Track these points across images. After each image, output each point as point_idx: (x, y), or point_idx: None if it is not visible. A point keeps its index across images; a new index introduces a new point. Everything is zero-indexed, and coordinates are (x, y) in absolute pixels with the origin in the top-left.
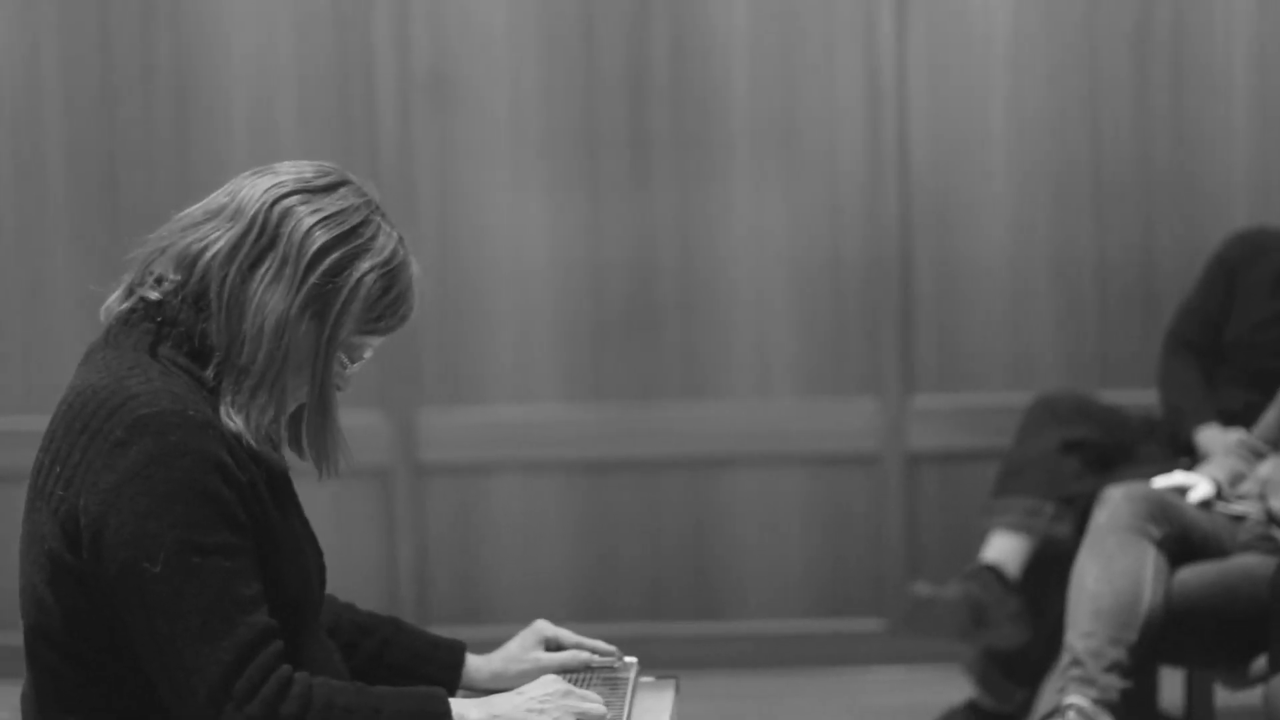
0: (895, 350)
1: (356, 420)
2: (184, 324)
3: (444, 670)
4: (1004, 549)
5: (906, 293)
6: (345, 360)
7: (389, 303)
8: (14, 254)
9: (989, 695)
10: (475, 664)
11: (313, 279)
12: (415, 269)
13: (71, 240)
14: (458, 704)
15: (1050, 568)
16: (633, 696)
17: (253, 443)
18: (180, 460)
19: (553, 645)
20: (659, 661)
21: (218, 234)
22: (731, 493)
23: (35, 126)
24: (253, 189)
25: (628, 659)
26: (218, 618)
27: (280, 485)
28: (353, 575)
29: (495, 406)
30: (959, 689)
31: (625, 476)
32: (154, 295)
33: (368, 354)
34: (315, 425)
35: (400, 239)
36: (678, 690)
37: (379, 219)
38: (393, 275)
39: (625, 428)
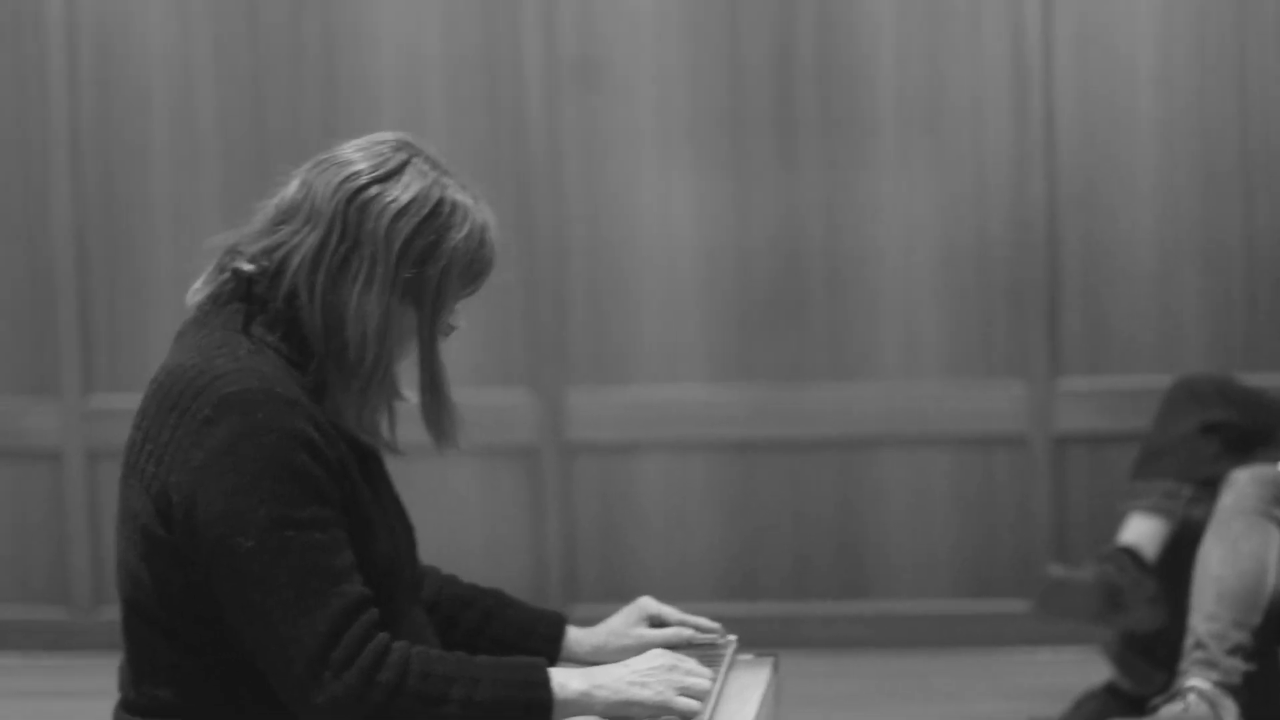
0: (1042, 332)
1: (504, 399)
2: (275, 310)
3: (545, 643)
4: (1142, 531)
5: (1053, 274)
6: (448, 327)
7: (478, 269)
8: (169, 241)
9: (1127, 678)
10: (576, 637)
11: (405, 273)
12: (491, 221)
13: (225, 229)
14: (559, 673)
15: (1189, 550)
16: (727, 672)
17: (365, 437)
18: (267, 437)
19: (656, 622)
20: (803, 641)
21: (299, 237)
22: (878, 474)
23: (188, 118)
24: (325, 185)
25: (728, 636)
26: (311, 590)
27: (371, 464)
28: (499, 554)
29: (642, 387)
30: (1102, 671)
31: (772, 457)
32: (247, 268)
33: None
34: (430, 405)
35: (474, 198)
36: (775, 669)
37: (452, 189)
38: (477, 244)
39: (772, 409)
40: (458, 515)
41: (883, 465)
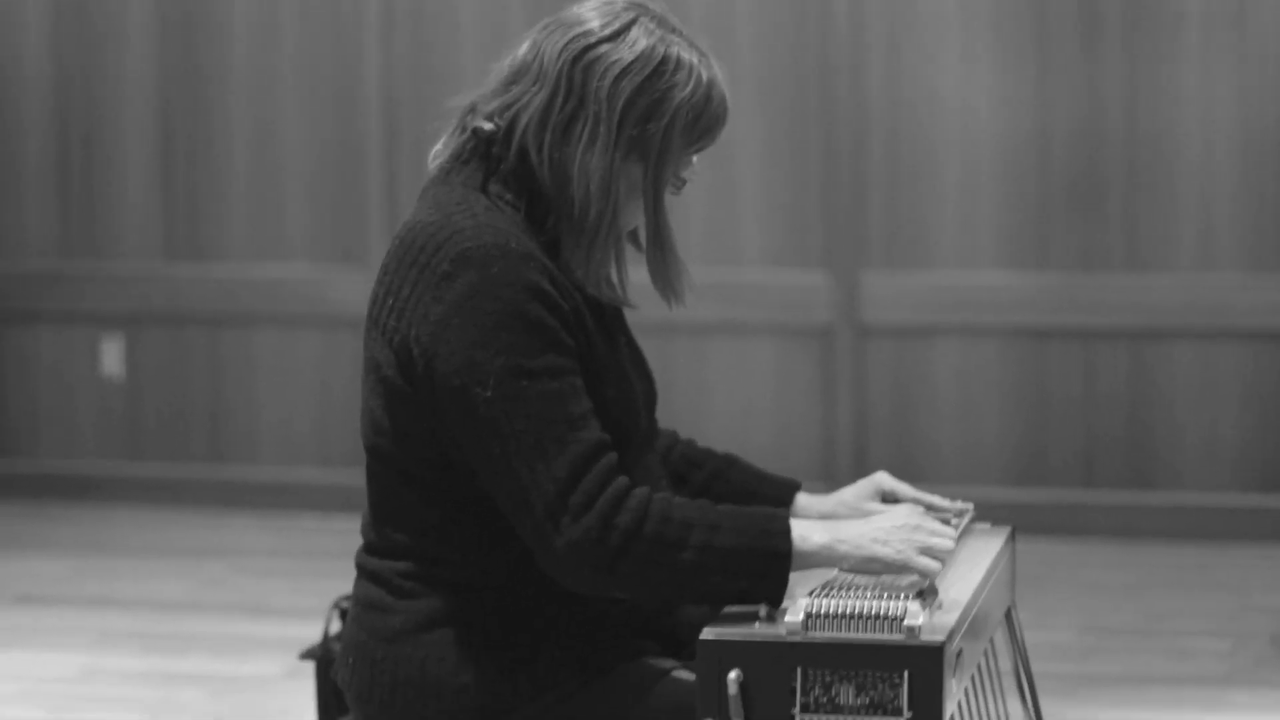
0: None
1: (800, 280)
2: (510, 168)
3: (770, 506)
4: None
5: None
6: (676, 182)
7: (705, 125)
8: None
9: None
10: (805, 503)
11: (628, 131)
12: (719, 77)
13: None
14: (801, 525)
15: None
16: (960, 536)
17: (595, 292)
18: (503, 290)
19: (890, 498)
20: (1089, 529)
21: (528, 97)
22: (1170, 365)
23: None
24: (552, 47)
25: (963, 504)
26: (549, 436)
27: (609, 317)
28: (791, 432)
29: (938, 271)
30: None
31: (1064, 345)
32: (485, 126)
33: (694, 166)
34: (656, 258)
35: (701, 55)
36: (1011, 539)
37: (677, 46)
38: (703, 100)
39: (1066, 297)
40: (751, 393)
41: (1174, 357)
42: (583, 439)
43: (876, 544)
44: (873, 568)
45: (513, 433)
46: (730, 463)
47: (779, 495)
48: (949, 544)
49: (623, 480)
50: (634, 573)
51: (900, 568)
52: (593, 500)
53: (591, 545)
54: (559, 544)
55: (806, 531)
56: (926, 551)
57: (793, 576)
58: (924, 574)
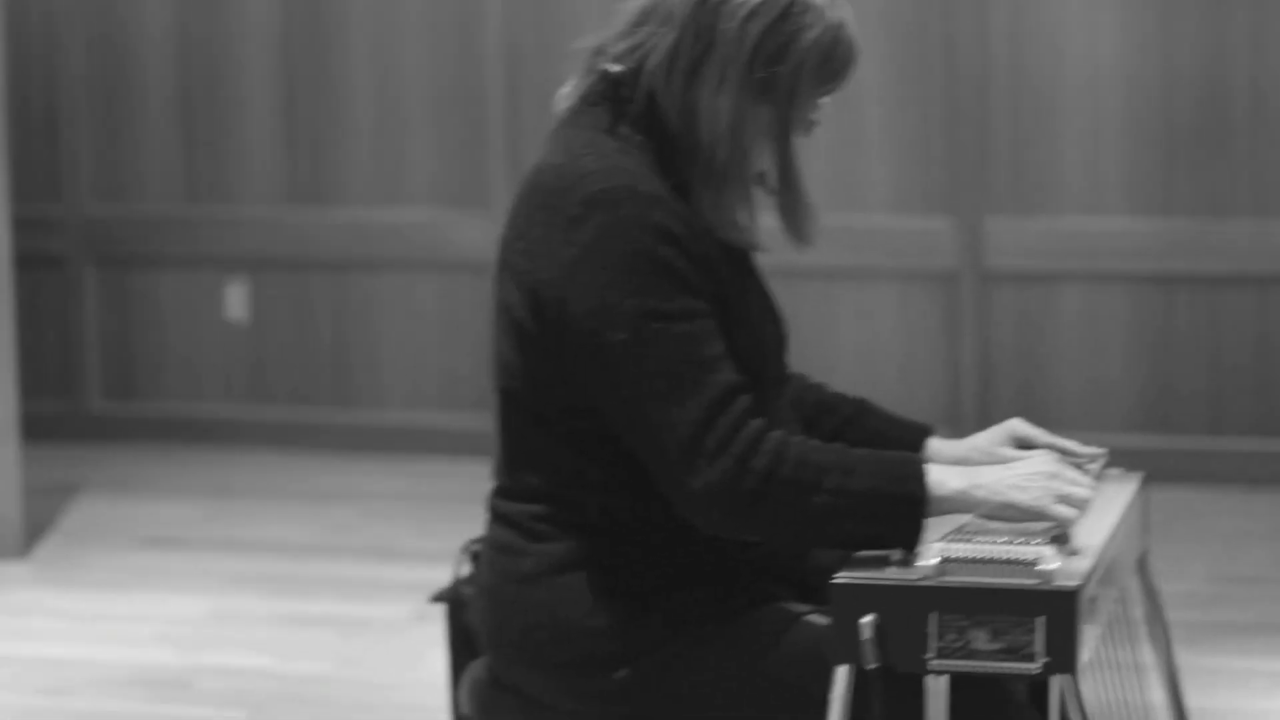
0: None
1: (924, 225)
2: (639, 109)
3: (905, 451)
4: None
5: None
6: (807, 123)
7: (834, 68)
8: None
9: None
10: (938, 448)
11: (756, 74)
12: (848, 19)
13: None
14: (937, 470)
15: None
16: (1093, 482)
17: (724, 235)
18: (633, 232)
19: (1024, 445)
20: (1215, 476)
21: (655, 39)
22: None
23: None
24: None
25: (1096, 450)
26: (683, 379)
27: (739, 260)
28: (915, 377)
29: (1063, 216)
30: None
31: (1190, 291)
32: (614, 68)
33: (824, 108)
34: (785, 201)
35: None
36: (1144, 486)
37: None
38: (831, 43)
39: (1191, 242)
40: (876, 338)
41: None
42: (717, 381)
43: (1014, 490)
44: (1009, 514)
45: (646, 376)
46: (862, 407)
47: (911, 440)
48: (1086, 493)
49: (758, 422)
50: (769, 516)
51: (1037, 515)
52: (728, 443)
53: (727, 488)
54: (694, 487)
55: (943, 476)
56: (1064, 500)
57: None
58: (1061, 522)
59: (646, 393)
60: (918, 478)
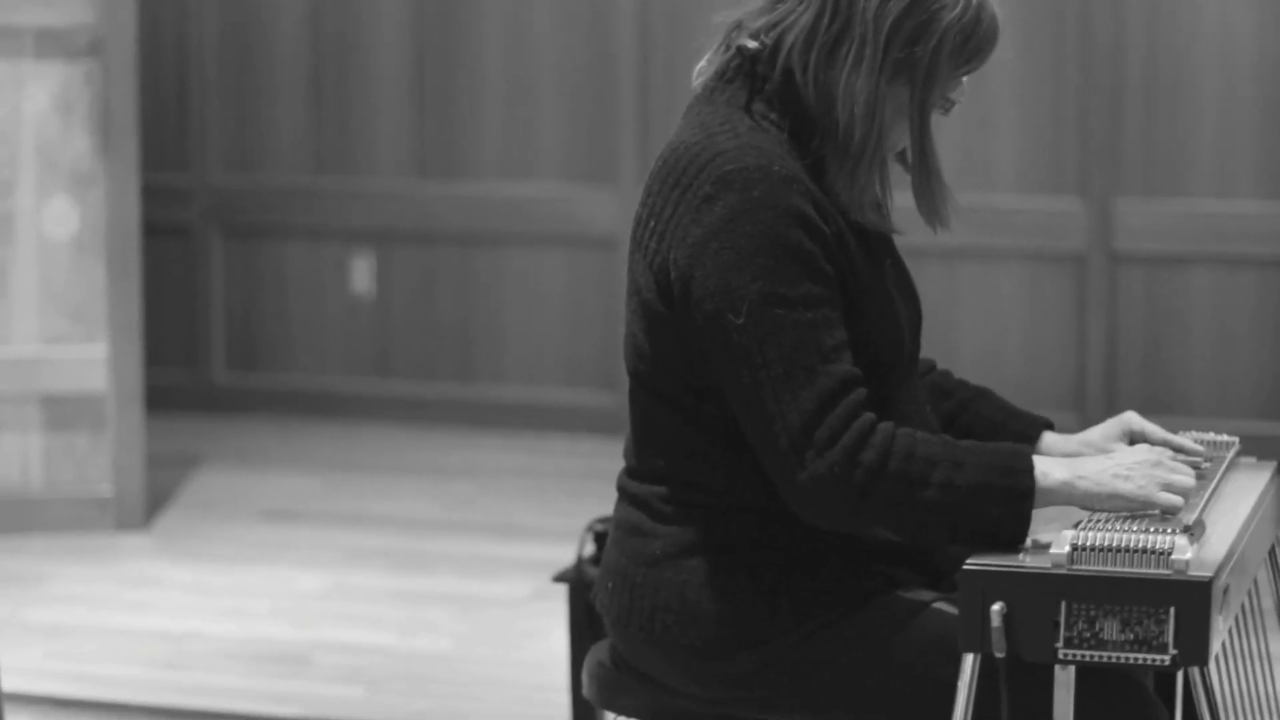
0: None
1: (1053, 205)
2: (775, 87)
3: (1017, 442)
4: None
5: None
6: (945, 103)
7: (974, 48)
8: None
9: None
10: (1051, 442)
11: (895, 53)
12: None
13: None
14: (1042, 462)
15: None
16: (1225, 471)
17: (859, 216)
18: (764, 214)
19: (1138, 439)
20: None
21: (794, 16)
22: None
23: None
24: None
25: (1229, 438)
26: (800, 367)
27: (875, 239)
28: (1042, 359)
29: (1194, 199)
30: None
31: None
32: (751, 44)
33: (964, 86)
34: (921, 182)
35: None
36: (1278, 474)
37: None
38: (972, 23)
39: None
40: (1002, 319)
41: None
42: (832, 371)
43: (1118, 480)
44: (1114, 504)
45: (763, 361)
46: (981, 395)
47: (1025, 431)
48: (1191, 480)
49: (869, 416)
50: (877, 509)
51: (1143, 504)
52: (838, 435)
53: (835, 481)
54: (802, 478)
55: (1048, 468)
56: (1168, 487)
57: (1041, 513)
58: (1167, 510)
59: (763, 379)
60: (1026, 471)
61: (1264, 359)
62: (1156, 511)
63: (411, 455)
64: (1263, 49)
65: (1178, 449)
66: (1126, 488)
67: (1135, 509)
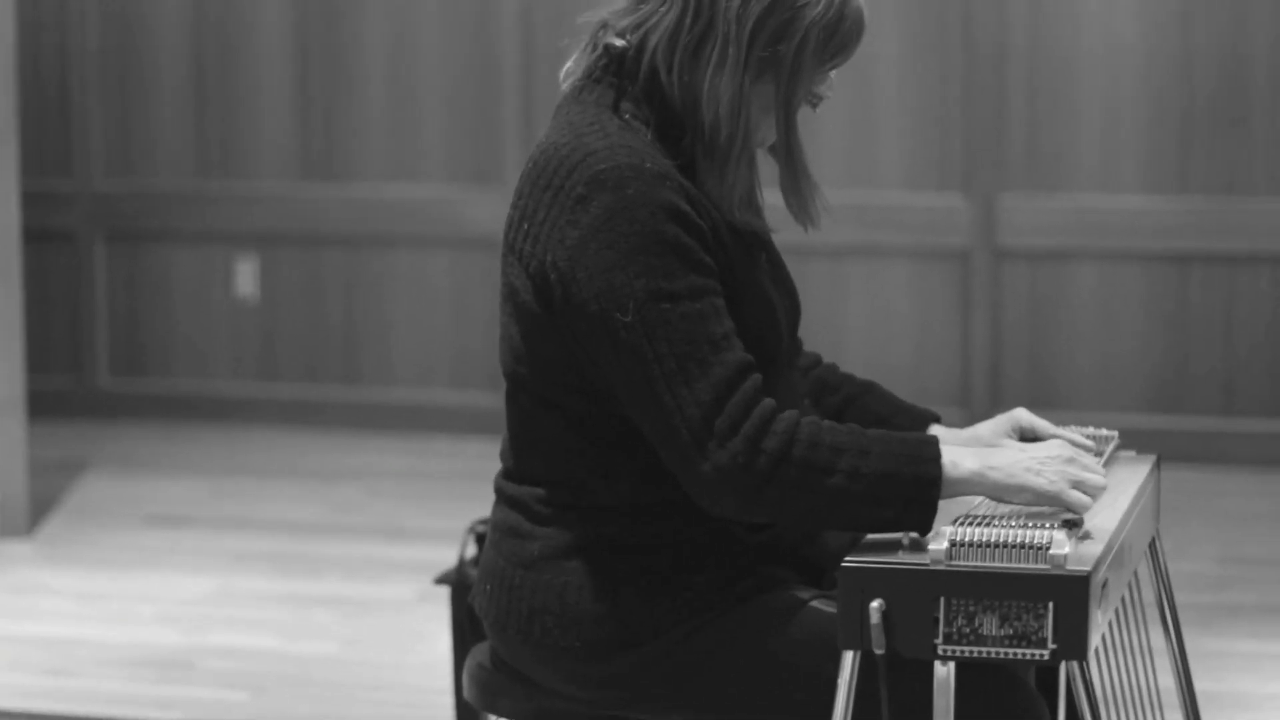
0: None
1: (937, 202)
2: (643, 87)
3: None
4: None
5: None
6: (813, 98)
7: (839, 43)
8: None
9: None
10: (941, 436)
11: (758, 52)
12: None
13: None
14: (952, 451)
15: None
16: (1104, 465)
17: (730, 214)
18: (639, 211)
19: (1028, 435)
20: (1227, 457)
21: (657, 17)
22: None
23: None
24: None
25: (1108, 432)
26: (692, 359)
27: (750, 234)
28: (927, 355)
29: (1077, 194)
30: None
31: (1205, 270)
32: (618, 43)
33: (831, 81)
34: (789, 180)
35: None
36: (1157, 468)
37: None
38: (836, 19)
39: (1207, 221)
40: (888, 315)
41: None
42: (726, 360)
43: (1030, 474)
44: (1023, 498)
45: (655, 357)
46: (868, 389)
47: (913, 425)
48: (1102, 480)
49: (769, 402)
50: (781, 498)
51: (1052, 500)
52: (739, 424)
53: (738, 470)
54: (705, 469)
55: (957, 458)
56: (1079, 485)
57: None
58: (1075, 509)
59: (656, 375)
60: (933, 459)
61: (1146, 353)
62: (1062, 509)
63: (298, 458)
64: (1145, 45)
65: (1070, 443)
66: (1037, 482)
67: (1043, 504)
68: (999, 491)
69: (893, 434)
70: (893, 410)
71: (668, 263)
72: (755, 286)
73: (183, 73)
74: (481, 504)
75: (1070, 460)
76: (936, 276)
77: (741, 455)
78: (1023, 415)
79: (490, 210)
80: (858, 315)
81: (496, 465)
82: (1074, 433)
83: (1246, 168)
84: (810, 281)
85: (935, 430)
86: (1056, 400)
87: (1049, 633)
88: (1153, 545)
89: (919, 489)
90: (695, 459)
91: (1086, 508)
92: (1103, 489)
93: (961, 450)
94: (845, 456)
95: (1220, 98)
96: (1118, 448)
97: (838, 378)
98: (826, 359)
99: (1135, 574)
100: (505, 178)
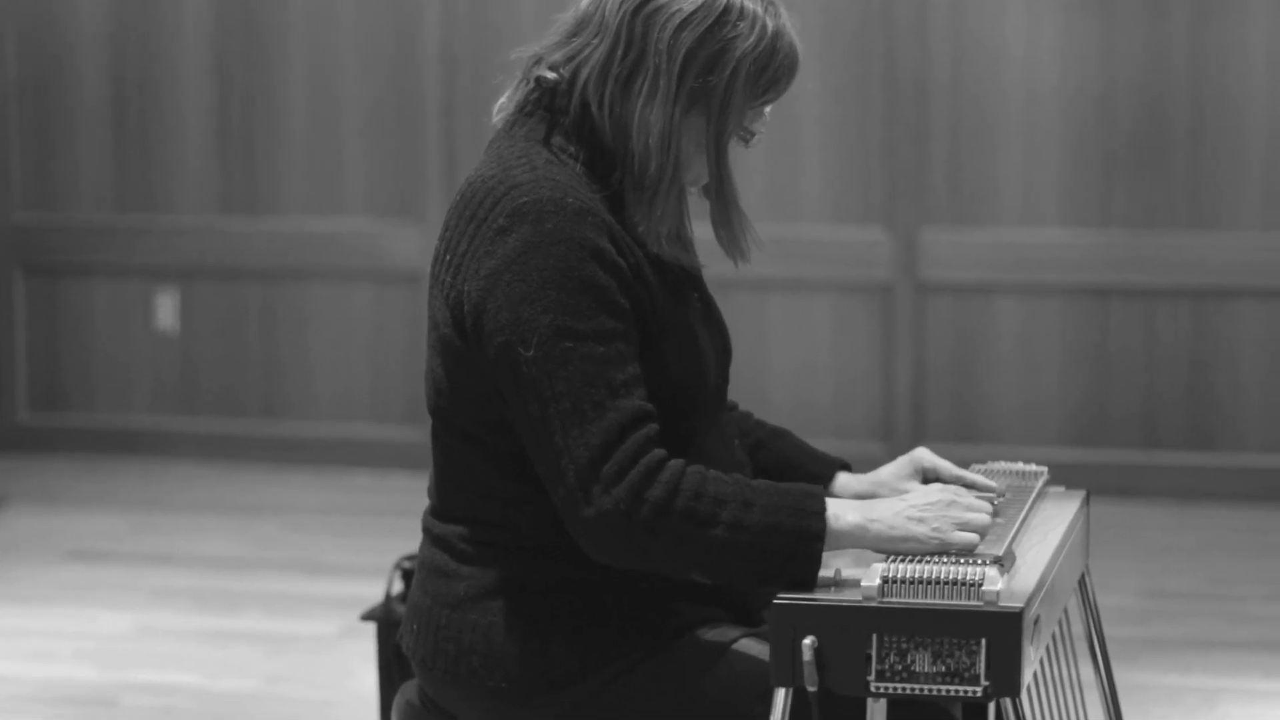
0: None
1: (859, 236)
2: (574, 120)
3: (811, 482)
4: None
5: None
6: (745, 134)
7: (771, 77)
8: None
9: None
10: (843, 483)
11: (689, 84)
12: (786, 27)
13: None
14: (835, 504)
15: None
16: (1034, 502)
17: (657, 248)
18: (556, 247)
19: (930, 477)
20: (1150, 490)
21: (589, 50)
22: (1232, 325)
23: None
24: None
25: (1037, 468)
26: (588, 402)
27: (679, 272)
28: (850, 389)
29: (999, 228)
30: None
31: (1126, 304)
32: (550, 76)
33: (766, 117)
34: (720, 213)
35: (768, 4)
36: (1086, 503)
37: None
38: (768, 52)
39: (1128, 255)
40: (811, 349)
41: (1238, 316)
42: (622, 407)
43: (911, 522)
44: (909, 547)
45: (552, 395)
46: (778, 435)
47: (821, 472)
48: (985, 519)
49: (658, 452)
50: (664, 548)
51: (937, 546)
52: (625, 471)
53: (620, 518)
54: (588, 514)
55: (840, 510)
56: (964, 526)
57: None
58: (963, 549)
59: (551, 413)
60: (818, 512)
61: (1070, 387)
62: (952, 553)
63: (218, 493)
64: (1065, 81)
65: (970, 485)
66: (920, 530)
67: (931, 551)
68: (883, 543)
69: (779, 485)
70: (803, 456)
71: (579, 301)
72: (682, 326)
73: (101, 107)
74: (403, 539)
75: (951, 503)
76: (859, 310)
77: (624, 503)
78: (925, 456)
79: (411, 244)
80: (780, 348)
81: (417, 499)
82: (977, 474)
83: (1166, 202)
84: (733, 314)
85: (842, 478)
86: (978, 434)
87: (982, 669)
88: (1083, 581)
89: (802, 541)
90: (579, 504)
91: (974, 546)
92: (988, 526)
93: (845, 503)
94: (728, 508)
95: (1140, 133)
96: (1047, 483)
97: (749, 424)
98: (748, 391)
99: (1065, 609)
100: (426, 211)
